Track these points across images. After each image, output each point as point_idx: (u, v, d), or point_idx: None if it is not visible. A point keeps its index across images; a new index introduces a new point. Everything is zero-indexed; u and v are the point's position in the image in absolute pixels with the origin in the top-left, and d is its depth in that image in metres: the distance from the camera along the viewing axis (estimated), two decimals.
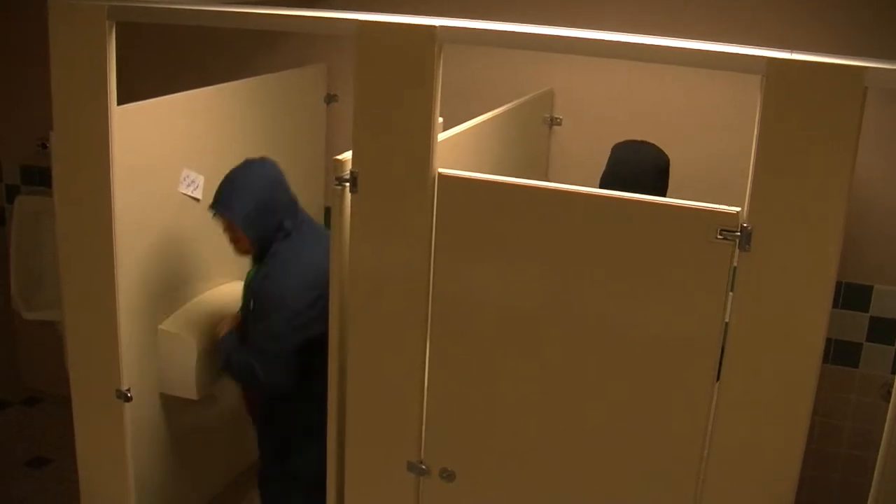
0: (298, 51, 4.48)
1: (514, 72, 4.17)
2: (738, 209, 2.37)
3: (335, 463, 2.97)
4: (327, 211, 4.44)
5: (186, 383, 3.53)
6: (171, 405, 3.61)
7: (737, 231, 2.36)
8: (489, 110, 3.38)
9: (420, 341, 2.76)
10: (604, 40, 2.49)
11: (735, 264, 2.41)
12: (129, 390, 3.25)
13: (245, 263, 3.90)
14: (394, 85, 2.61)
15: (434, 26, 2.54)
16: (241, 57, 4.55)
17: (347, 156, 2.73)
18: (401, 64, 2.59)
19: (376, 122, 2.66)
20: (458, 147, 2.95)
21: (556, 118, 4.14)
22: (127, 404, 3.27)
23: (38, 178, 5.15)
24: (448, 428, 2.82)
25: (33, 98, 4.16)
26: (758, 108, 2.33)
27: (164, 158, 3.41)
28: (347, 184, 2.72)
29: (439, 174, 2.64)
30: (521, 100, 3.76)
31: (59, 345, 3.48)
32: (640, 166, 3.31)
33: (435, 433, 2.83)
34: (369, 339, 2.81)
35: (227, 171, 3.70)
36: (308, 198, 4.36)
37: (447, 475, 2.83)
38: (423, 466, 2.85)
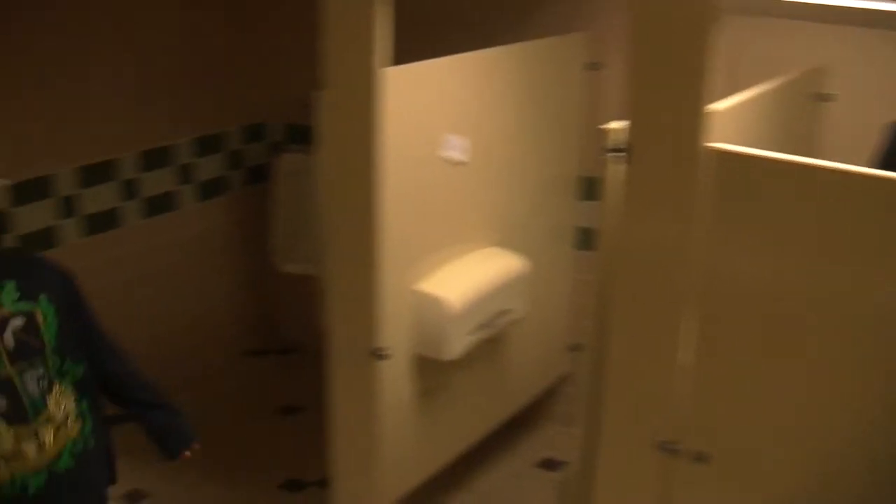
0: (558, 17, 4.43)
1: (786, 42, 3.98)
2: None
3: (588, 439, 2.93)
4: (583, 181, 4.39)
5: (441, 344, 3.56)
6: (424, 366, 3.65)
7: None
8: (756, 84, 3.22)
9: (684, 319, 2.67)
10: (883, 10, 2.33)
11: None
12: (385, 349, 3.31)
13: (507, 230, 3.91)
14: (668, 54, 2.52)
15: None
16: (501, 22, 4.54)
17: (618, 125, 2.66)
18: (676, 33, 2.49)
19: (649, 92, 2.57)
20: (730, 121, 2.83)
21: (829, 94, 3.91)
22: (381, 362, 3.33)
23: (302, 136, 5.32)
24: (707, 409, 2.73)
25: (299, 56, 4.26)
26: None
27: (428, 120, 3.44)
28: (622, 153, 2.65)
29: (714, 149, 2.54)
30: (792, 75, 3.57)
31: (313, 299, 3.57)
32: None
33: (693, 414, 2.74)
34: (633, 312, 2.74)
35: (488, 136, 3.71)
36: (562, 168, 4.32)
37: (701, 457, 2.74)
38: (676, 447, 2.77)
